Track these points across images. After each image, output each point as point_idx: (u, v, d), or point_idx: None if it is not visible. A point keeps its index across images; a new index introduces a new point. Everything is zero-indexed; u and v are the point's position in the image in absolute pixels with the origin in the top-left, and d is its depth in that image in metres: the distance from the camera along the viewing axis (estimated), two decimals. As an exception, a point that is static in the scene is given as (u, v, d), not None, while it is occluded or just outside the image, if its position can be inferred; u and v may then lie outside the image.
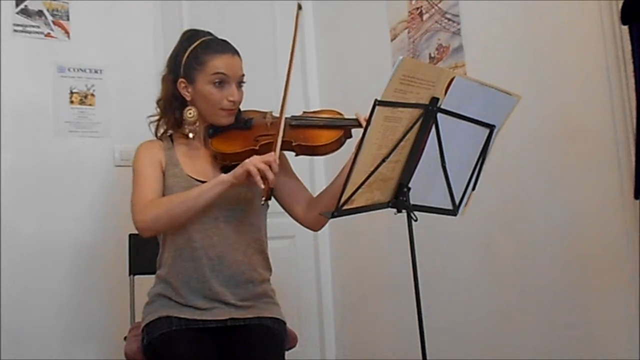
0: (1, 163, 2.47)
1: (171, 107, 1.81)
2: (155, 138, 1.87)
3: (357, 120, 1.70)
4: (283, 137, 1.70)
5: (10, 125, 2.51)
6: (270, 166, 1.57)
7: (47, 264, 2.51)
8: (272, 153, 1.61)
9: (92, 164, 2.65)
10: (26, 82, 2.57)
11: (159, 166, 1.78)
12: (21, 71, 2.56)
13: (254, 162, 1.57)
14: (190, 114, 1.77)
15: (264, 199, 1.60)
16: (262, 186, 1.57)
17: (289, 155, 1.82)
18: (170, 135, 1.86)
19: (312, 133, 1.74)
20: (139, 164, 1.78)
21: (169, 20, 2.88)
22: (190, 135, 1.79)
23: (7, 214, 2.46)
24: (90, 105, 2.68)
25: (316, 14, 3.26)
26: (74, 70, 2.66)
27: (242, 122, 1.80)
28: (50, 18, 2.65)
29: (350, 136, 1.75)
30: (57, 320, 2.51)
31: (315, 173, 2.99)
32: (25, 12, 2.60)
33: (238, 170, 1.61)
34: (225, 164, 1.79)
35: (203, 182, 1.76)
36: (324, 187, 1.85)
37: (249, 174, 1.58)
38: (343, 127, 1.73)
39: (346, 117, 1.76)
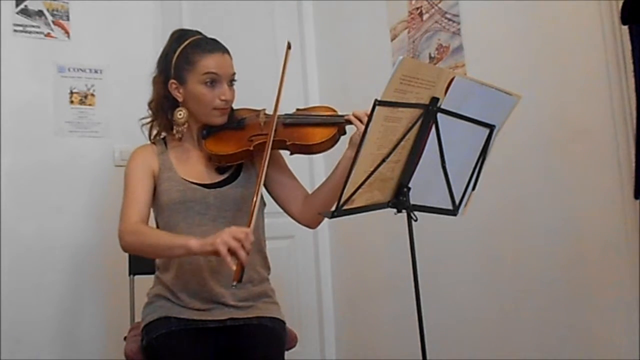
0: (1, 163, 2.47)
1: (163, 108, 1.80)
2: (148, 142, 1.86)
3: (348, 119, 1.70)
4: (276, 136, 1.69)
5: (10, 125, 2.51)
6: (242, 244, 1.45)
7: (47, 264, 2.51)
8: (246, 229, 1.48)
9: (92, 164, 2.65)
10: (26, 82, 2.57)
11: (150, 175, 1.77)
12: (21, 71, 2.56)
13: (225, 240, 1.44)
14: (180, 115, 1.76)
15: (234, 283, 1.43)
16: (233, 268, 1.44)
17: (284, 153, 1.82)
18: (164, 138, 1.86)
19: (305, 131, 1.74)
20: (130, 174, 1.77)
21: (169, 20, 2.88)
22: (177, 136, 1.78)
23: (7, 214, 2.46)
24: (90, 105, 2.68)
25: (316, 14, 3.26)
26: (74, 70, 2.66)
27: (235, 122, 1.80)
28: (50, 18, 2.65)
29: (345, 133, 1.74)
30: (57, 320, 2.51)
31: (314, 171, 2.98)
32: (25, 12, 2.60)
33: (206, 247, 1.49)
34: (220, 165, 1.79)
35: (197, 184, 1.77)
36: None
37: (217, 254, 1.46)
38: (337, 124, 1.72)
39: (339, 113, 1.75)
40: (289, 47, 1.76)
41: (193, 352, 1.65)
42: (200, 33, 1.83)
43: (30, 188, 2.52)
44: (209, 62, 1.74)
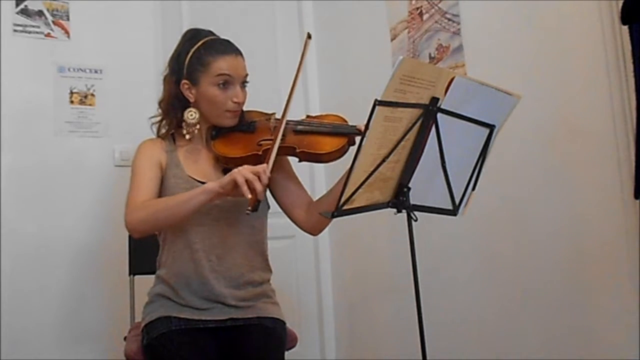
0: (1, 163, 2.47)
1: (173, 108, 1.79)
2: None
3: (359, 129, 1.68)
4: (286, 142, 1.69)
5: (10, 125, 2.51)
6: (259, 177, 1.52)
7: (47, 264, 2.51)
8: (264, 164, 1.56)
9: (92, 164, 2.65)
10: (26, 82, 2.57)
11: (158, 166, 1.77)
12: (21, 71, 2.57)
13: (242, 172, 1.52)
14: (191, 115, 1.75)
15: (249, 209, 1.52)
16: (249, 196, 1.50)
17: (292, 160, 1.81)
18: (172, 135, 1.84)
19: (316, 140, 1.72)
20: (137, 164, 1.77)
21: (169, 20, 2.88)
22: (187, 137, 1.77)
23: (7, 213, 2.46)
24: (90, 105, 2.68)
25: (316, 14, 3.26)
26: (74, 70, 2.67)
27: (246, 125, 1.78)
28: (50, 18, 2.65)
29: (354, 143, 1.72)
30: (57, 320, 2.51)
31: (315, 177, 2.97)
32: (25, 12, 2.61)
33: (225, 179, 1.56)
34: (227, 166, 1.78)
35: (204, 183, 1.75)
36: (324, 191, 1.84)
37: (235, 184, 1.52)
38: (347, 134, 1.71)
39: (350, 124, 1.74)
40: (309, 37, 1.74)
41: (193, 352, 1.65)
42: (213, 33, 1.81)
43: (30, 188, 2.52)
44: (222, 64, 1.73)
